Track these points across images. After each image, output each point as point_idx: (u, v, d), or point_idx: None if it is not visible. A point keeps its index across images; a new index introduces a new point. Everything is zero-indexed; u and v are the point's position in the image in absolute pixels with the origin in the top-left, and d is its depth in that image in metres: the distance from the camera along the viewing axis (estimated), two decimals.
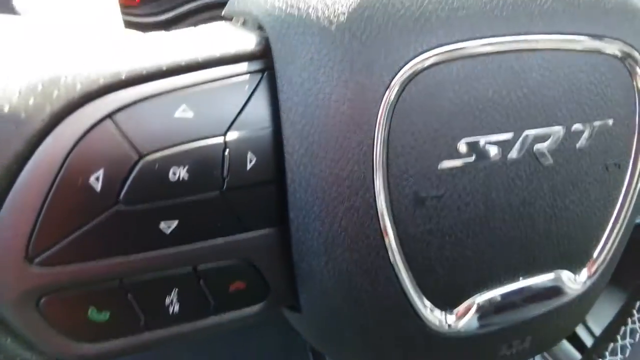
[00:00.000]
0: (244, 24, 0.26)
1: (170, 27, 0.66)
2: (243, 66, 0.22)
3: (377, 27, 0.22)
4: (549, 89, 0.25)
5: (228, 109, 0.21)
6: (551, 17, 0.25)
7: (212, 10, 0.69)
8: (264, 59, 0.23)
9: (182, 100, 0.20)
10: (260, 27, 0.24)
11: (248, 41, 0.23)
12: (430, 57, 0.22)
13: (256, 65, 0.23)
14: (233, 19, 0.27)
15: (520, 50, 0.24)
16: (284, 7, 0.23)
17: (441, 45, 0.22)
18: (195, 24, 0.69)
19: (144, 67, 0.20)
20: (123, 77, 0.19)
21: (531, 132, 0.25)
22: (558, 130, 0.25)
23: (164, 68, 0.20)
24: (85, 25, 0.25)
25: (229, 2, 0.28)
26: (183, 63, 0.21)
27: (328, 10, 0.22)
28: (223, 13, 0.28)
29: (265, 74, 0.23)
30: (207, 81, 0.21)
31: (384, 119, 0.22)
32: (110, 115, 0.18)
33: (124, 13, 0.64)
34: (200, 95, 0.21)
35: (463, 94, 0.23)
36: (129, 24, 0.62)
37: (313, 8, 0.22)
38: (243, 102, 0.22)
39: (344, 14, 0.22)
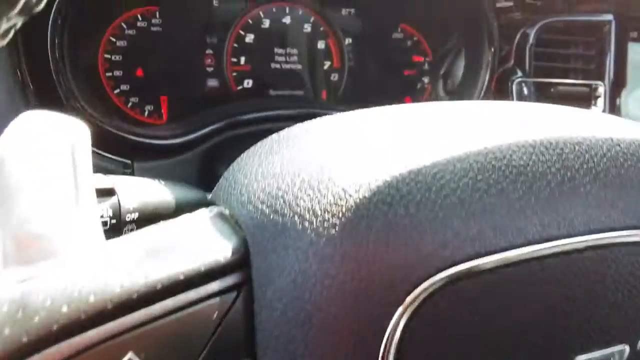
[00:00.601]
0: (232, 214, 0.23)
1: (195, 148, 0.66)
2: (214, 286, 0.18)
3: (376, 242, 0.17)
4: (603, 298, 0.20)
5: (189, 347, 0.17)
6: (597, 209, 0.20)
7: (237, 129, 0.68)
8: (240, 271, 0.19)
9: (128, 347, 0.16)
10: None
11: (224, 249, 0.19)
12: (446, 276, 0.18)
13: (230, 281, 0.19)
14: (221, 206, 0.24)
15: (560, 253, 0.19)
16: (267, 212, 0.19)
17: (459, 263, 0.18)
18: (219, 144, 0.67)
19: (84, 310, 0.16)
20: (54, 329, 0.15)
21: (587, 359, 0.19)
22: (622, 350, 0.20)
23: (110, 307, 0.16)
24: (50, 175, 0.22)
25: (216, 187, 0.25)
26: (135, 296, 0.17)
27: (317, 219, 0.18)
28: (209, 196, 0.25)
29: (242, 291, 0.19)
30: (167, 314, 0.17)
31: (388, 355, 0.17)
32: None
33: (149, 137, 0.64)
34: (155, 335, 0.17)
35: (490, 317, 0.18)
36: (152, 148, 0.62)
37: (300, 216, 0.18)
38: (210, 334, 0.18)
39: (336, 225, 0.18)
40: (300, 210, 0.18)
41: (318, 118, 0.27)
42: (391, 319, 0.17)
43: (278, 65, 0.74)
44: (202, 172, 0.67)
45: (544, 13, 0.72)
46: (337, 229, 0.18)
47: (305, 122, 0.25)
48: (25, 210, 0.21)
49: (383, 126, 0.23)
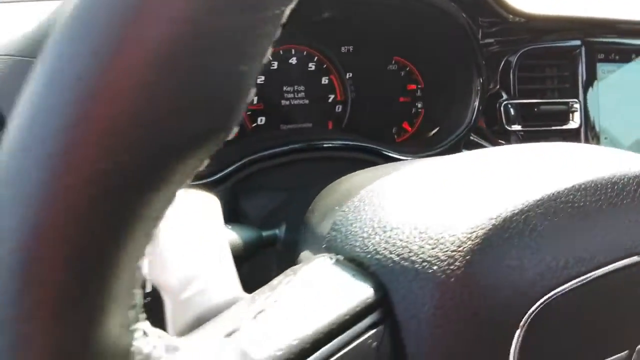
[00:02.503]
0: (357, 261, 0.27)
1: (220, 185, 0.70)
2: (365, 322, 0.23)
3: (499, 276, 0.23)
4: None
5: None
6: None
7: (256, 164, 0.73)
8: (382, 308, 0.24)
9: None
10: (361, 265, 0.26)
11: (363, 290, 0.25)
12: (544, 300, 0.23)
13: (376, 317, 0.24)
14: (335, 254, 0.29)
15: (620, 268, 0.25)
16: (397, 259, 0.24)
17: (554, 288, 0.24)
18: (241, 180, 0.71)
19: None
20: None
21: None
22: None
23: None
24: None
25: (329, 236, 0.30)
26: (308, 345, 0.22)
27: (442, 263, 0.23)
28: (324, 246, 0.30)
29: (387, 326, 0.24)
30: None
31: None
32: None
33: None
34: None
35: (579, 325, 0.24)
36: None
37: (427, 262, 0.24)
38: None
39: (460, 267, 0.23)
40: (427, 257, 0.24)
41: (394, 165, 0.33)
42: (512, 338, 0.23)
43: (287, 102, 0.79)
44: (227, 208, 0.71)
45: (520, 43, 0.81)
46: (460, 270, 0.23)
47: (383, 168, 0.31)
48: (184, 275, 0.26)
49: (466, 173, 0.29)
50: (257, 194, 0.73)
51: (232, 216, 0.70)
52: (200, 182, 0.69)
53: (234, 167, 0.70)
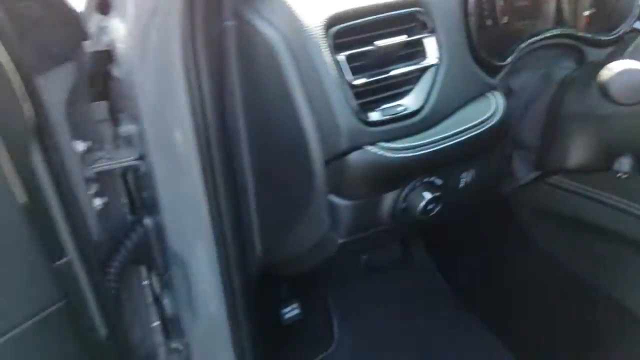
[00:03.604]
0: None
1: (502, 70, 0.93)
2: None
3: None
4: None
5: None
6: None
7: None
8: None
9: None
10: None
11: None
12: None
13: None
14: None
15: None
16: None
17: None
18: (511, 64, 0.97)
19: None
20: None
21: None
22: None
23: None
24: None
25: None
26: None
27: None
28: None
29: None
30: None
31: None
32: None
33: None
34: None
35: None
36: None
37: None
38: None
39: None
40: None
41: None
42: None
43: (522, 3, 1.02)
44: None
45: None
46: None
47: None
48: None
49: None
50: (520, 74, 0.99)
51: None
52: (499, 63, 0.93)
53: (515, 53, 0.95)
